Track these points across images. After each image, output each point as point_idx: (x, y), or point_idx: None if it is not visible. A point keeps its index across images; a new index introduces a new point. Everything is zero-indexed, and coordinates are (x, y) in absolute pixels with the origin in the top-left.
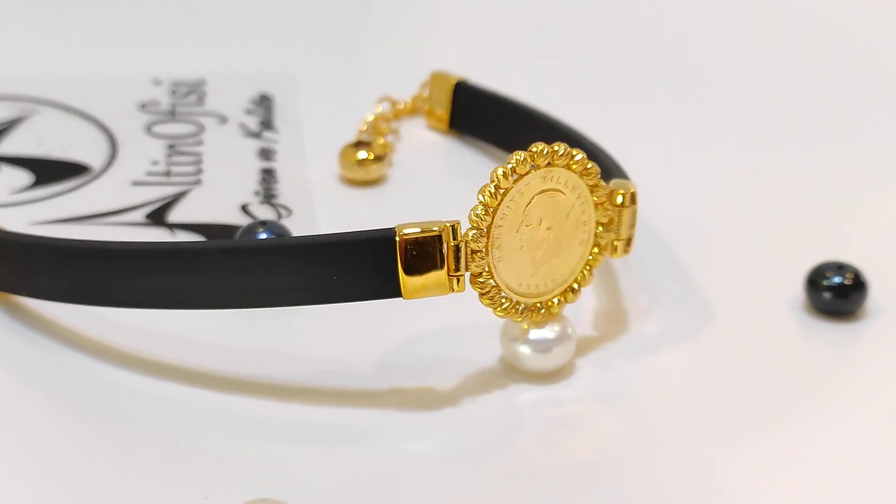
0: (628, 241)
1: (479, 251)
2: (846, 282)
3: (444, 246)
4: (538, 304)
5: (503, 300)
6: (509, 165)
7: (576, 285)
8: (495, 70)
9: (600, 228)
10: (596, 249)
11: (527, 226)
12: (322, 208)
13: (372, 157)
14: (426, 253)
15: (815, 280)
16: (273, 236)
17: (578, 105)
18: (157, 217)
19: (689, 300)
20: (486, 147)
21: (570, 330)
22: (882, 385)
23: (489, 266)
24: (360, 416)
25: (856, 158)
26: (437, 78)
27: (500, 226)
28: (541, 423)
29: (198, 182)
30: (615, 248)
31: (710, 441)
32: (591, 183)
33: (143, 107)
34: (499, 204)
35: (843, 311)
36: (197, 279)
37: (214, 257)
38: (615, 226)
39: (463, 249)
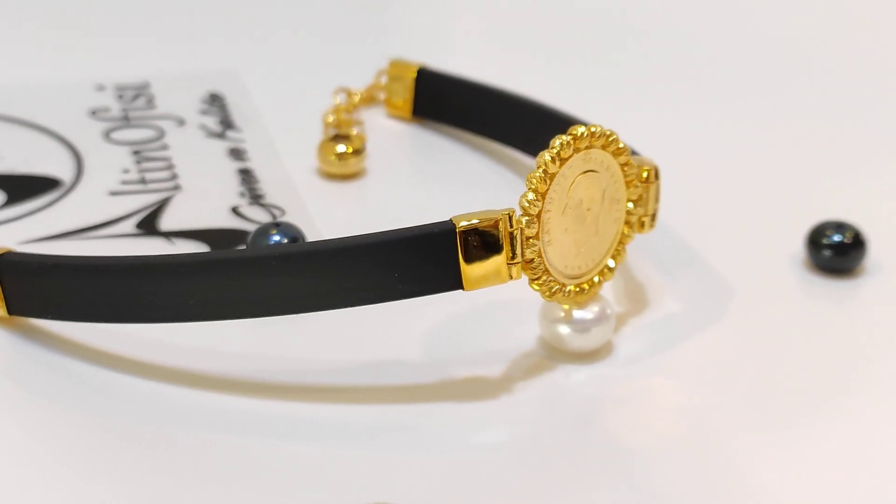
0: (653, 216)
1: (532, 237)
2: (846, 240)
3: (502, 234)
4: (582, 285)
5: (552, 283)
6: (554, 150)
7: (612, 263)
8: (439, 55)
9: (630, 205)
10: (626, 226)
11: (571, 208)
12: (312, 205)
13: (351, 150)
14: (486, 243)
15: (816, 239)
16: (287, 238)
17: (543, 85)
18: (149, 226)
19: (700, 268)
20: (453, 131)
21: (608, 310)
22: (886, 338)
23: (540, 251)
24: (420, 412)
25: (854, 122)
26: (396, 66)
27: (548, 210)
28: (601, 403)
29: (177, 188)
30: (642, 224)
31: (757, 406)
32: (622, 161)
33: (94, 113)
34: (547, 189)
35: (842, 268)
36: (251, 287)
37: (271, 264)
38: (643, 202)
39: (518, 237)
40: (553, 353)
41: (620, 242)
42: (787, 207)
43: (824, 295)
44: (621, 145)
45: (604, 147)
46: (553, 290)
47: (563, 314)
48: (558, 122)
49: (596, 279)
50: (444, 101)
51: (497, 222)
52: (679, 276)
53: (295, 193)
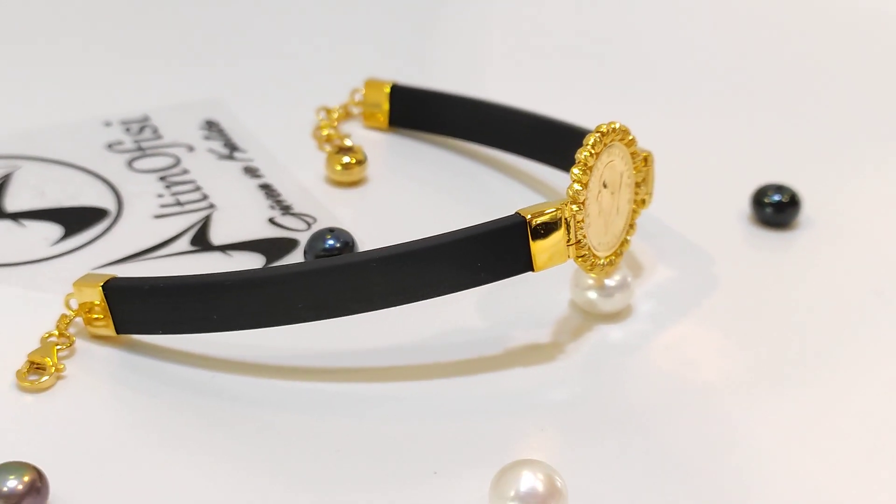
0: (651, 194)
1: (580, 221)
2: (784, 199)
3: (562, 222)
4: (610, 258)
5: (593, 259)
6: (590, 147)
7: (627, 238)
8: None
9: (637, 186)
10: (635, 204)
11: (601, 193)
12: (338, 211)
13: (354, 161)
14: (552, 229)
15: (759, 198)
16: (340, 242)
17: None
18: (202, 242)
19: (671, 232)
20: (428, 136)
21: (629, 278)
22: (818, 279)
23: (585, 232)
24: (495, 380)
25: (791, 98)
26: (371, 85)
27: (587, 197)
28: (644, 353)
29: (212, 206)
30: (643, 202)
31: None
32: (632, 150)
33: (110, 147)
34: (588, 179)
35: (781, 222)
36: (355, 288)
37: (371, 266)
38: (645, 182)
39: (572, 222)
40: (585, 316)
41: (633, 219)
42: (734, 173)
43: (767, 245)
44: (631, 137)
45: (621, 139)
46: (593, 265)
47: (592, 282)
48: (538, 120)
49: (619, 253)
50: (416, 111)
51: (557, 212)
52: (656, 240)
53: (316, 202)
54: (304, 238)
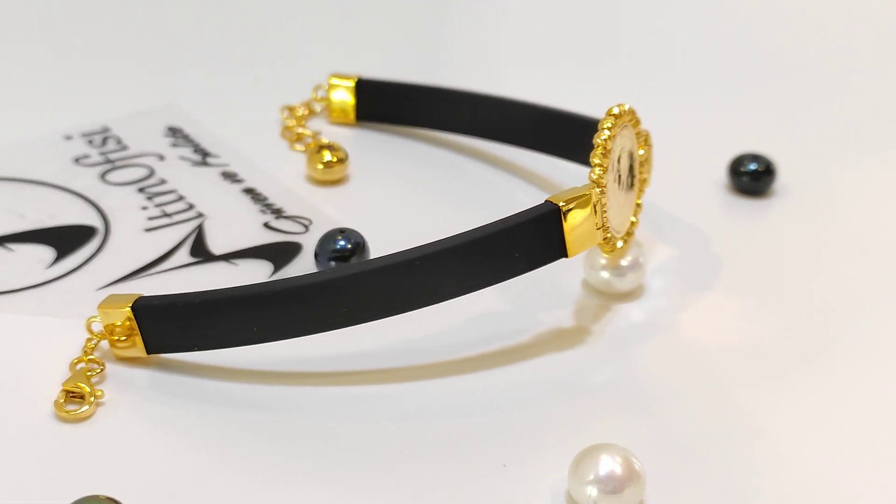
0: (650, 172)
1: (604, 204)
2: (760, 168)
3: (590, 206)
4: (624, 238)
5: (614, 240)
6: (607, 130)
7: (634, 218)
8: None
9: (641, 166)
10: (641, 183)
11: (617, 175)
12: (329, 211)
13: (336, 159)
14: (582, 215)
15: (736, 167)
16: (351, 242)
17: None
18: (202, 252)
19: (656, 205)
20: (395, 128)
21: (641, 259)
22: (790, 242)
23: (608, 215)
24: (537, 368)
25: (766, 72)
26: (335, 80)
27: (608, 180)
28: (675, 332)
29: (201, 215)
30: (645, 180)
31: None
32: (637, 131)
33: (77, 161)
34: (609, 163)
35: (757, 190)
36: (400, 288)
37: (415, 265)
38: (648, 162)
39: (598, 206)
40: (599, 296)
41: (638, 197)
42: (711, 143)
43: (743, 213)
44: (638, 118)
45: (631, 122)
46: (613, 246)
47: (606, 262)
48: (490, 104)
49: (630, 231)
50: (382, 104)
51: (586, 198)
52: (647, 211)
53: (305, 203)
54: (303, 241)
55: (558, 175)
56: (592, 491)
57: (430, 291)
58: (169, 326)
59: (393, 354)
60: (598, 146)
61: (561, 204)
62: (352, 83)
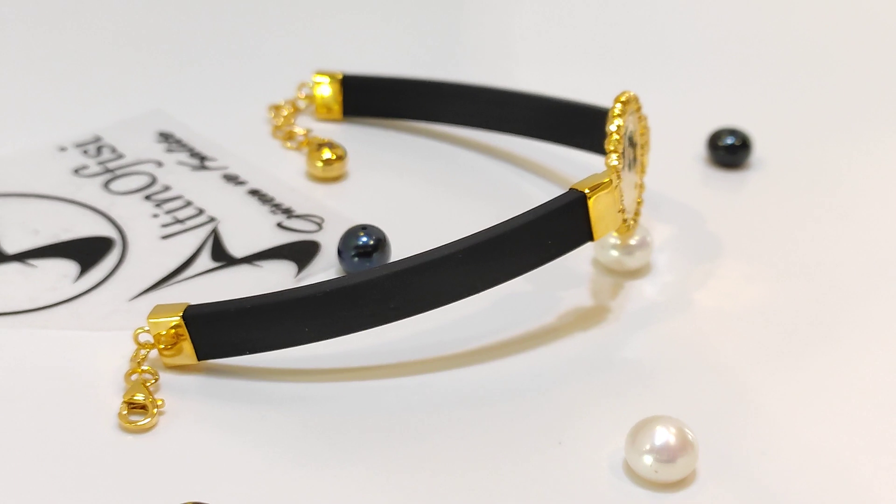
0: (647, 154)
1: (620, 188)
2: (737, 142)
3: (612, 191)
4: (633, 219)
5: (627, 221)
6: (618, 116)
7: (640, 198)
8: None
9: (641, 148)
10: (641, 167)
11: (627, 157)
12: (339, 208)
13: (335, 156)
14: (605, 200)
15: (714, 141)
16: (373, 238)
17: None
18: (224, 256)
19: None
20: (381, 122)
21: (648, 237)
22: (764, 212)
23: (623, 198)
24: (567, 347)
25: (744, 49)
26: (320, 76)
27: (622, 165)
28: (691, 305)
29: (213, 219)
30: (644, 162)
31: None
32: (639, 115)
33: (77, 172)
34: (623, 148)
35: (734, 163)
36: (444, 281)
37: (458, 258)
38: (646, 145)
39: (616, 191)
40: (609, 273)
41: (640, 178)
42: (691, 118)
43: (723, 185)
44: (640, 103)
45: (636, 109)
46: (628, 227)
47: (616, 242)
48: (467, 94)
49: (638, 211)
50: (369, 99)
51: (607, 183)
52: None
53: (315, 201)
54: (320, 239)
55: (550, 160)
56: (649, 459)
57: (472, 282)
58: (221, 333)
59: (425, 347)
60: (610, 133)
61: (586, 191)
62: (336, 79)
